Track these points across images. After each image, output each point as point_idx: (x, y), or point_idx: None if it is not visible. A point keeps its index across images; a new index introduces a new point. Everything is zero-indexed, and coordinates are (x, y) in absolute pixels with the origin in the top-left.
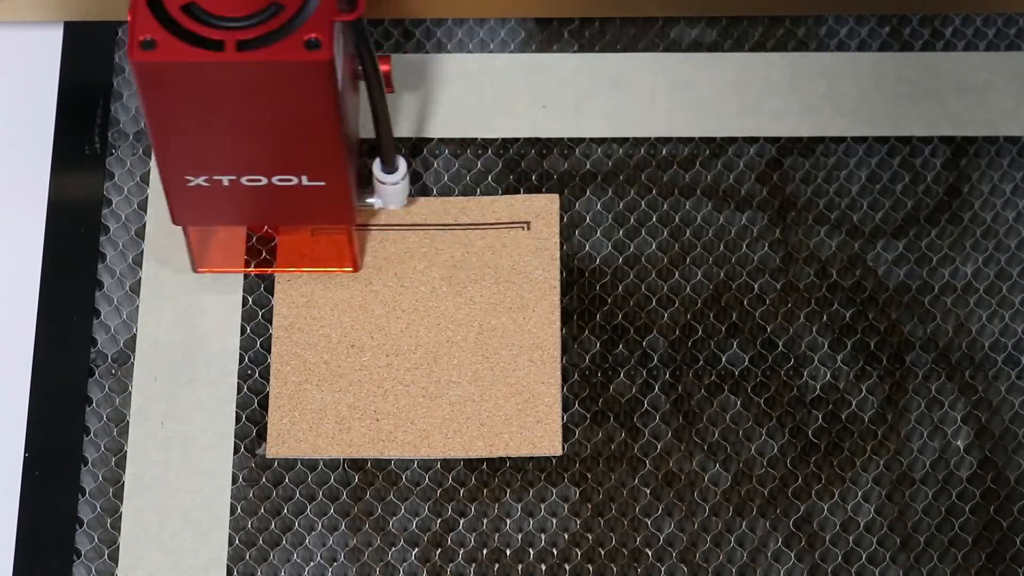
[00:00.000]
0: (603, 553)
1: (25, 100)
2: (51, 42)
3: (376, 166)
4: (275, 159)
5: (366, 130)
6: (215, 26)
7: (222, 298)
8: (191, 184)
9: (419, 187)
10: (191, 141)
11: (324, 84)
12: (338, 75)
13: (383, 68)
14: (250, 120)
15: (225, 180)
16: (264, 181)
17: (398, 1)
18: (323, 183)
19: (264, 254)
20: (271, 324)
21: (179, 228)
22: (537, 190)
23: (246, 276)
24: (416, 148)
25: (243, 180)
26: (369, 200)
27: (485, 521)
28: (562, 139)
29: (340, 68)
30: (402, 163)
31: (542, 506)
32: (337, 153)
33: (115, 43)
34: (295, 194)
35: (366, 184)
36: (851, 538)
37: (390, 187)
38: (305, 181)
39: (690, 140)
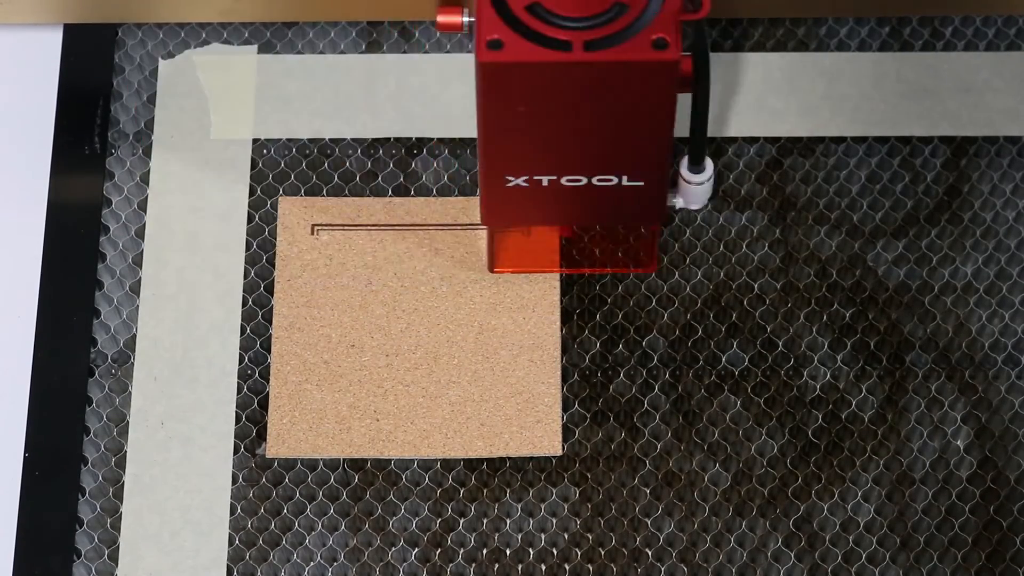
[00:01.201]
0: (603, 553)
1: (25, 100)
2: (51, 43)
3: (683, 165)
4: (601, 159)
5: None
6: (561, 26)
7: (222, 298)
8: (510, 184)
9: (419, 187)
10: (520, 141)
11: (668, 84)
12: None
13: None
14: (585, 120)
15: (545, 180)
16: (584, 181)
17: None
18: (642, 183)
19: (575, 255)
20: (271, 324)
21: (178, 227)
22: None
23: (247, 276)
24: (416, 148)
25: (563, 180)
26: (672, 200)
27: (485, 521)
28: None
29: None
30: (709, 163)
31: (542, 506)
32: (664, 154)
33: (115, 43)
34: (611, 194)
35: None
36: (851, 538)
37: (695, 187)
38: (625, 181)
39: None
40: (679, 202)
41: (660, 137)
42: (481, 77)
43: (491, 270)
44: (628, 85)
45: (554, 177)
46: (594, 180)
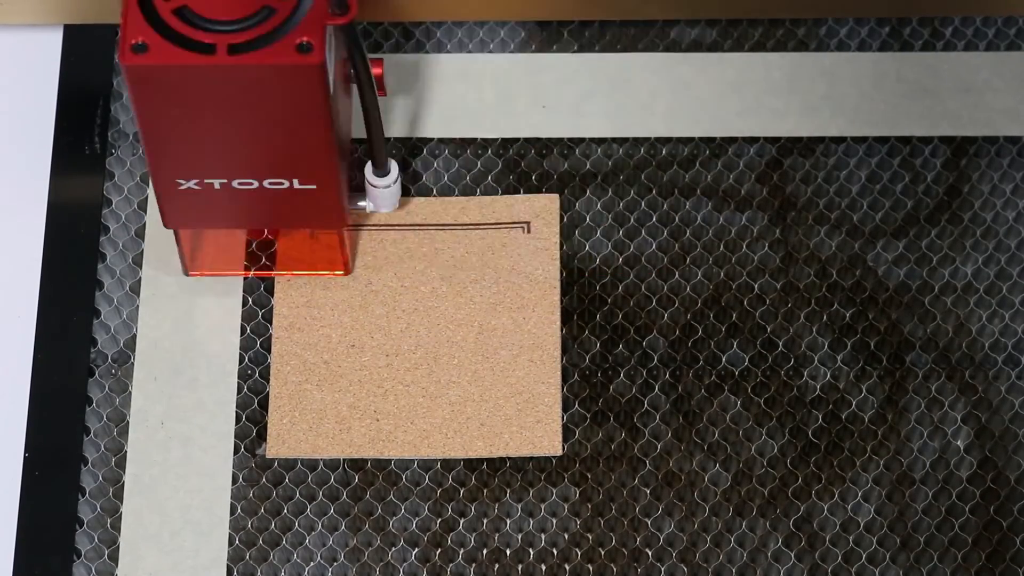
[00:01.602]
0: (603, 553)
1: (25, 101)
2: (51, 43)
3: (368, 169)
4: (266, 162)
5: (358, 130)
6: (207, 29)
7: (222, 298)
8: (182, 187)
9: (419, 187)
10: (182, 144)
11: (316, 88)
12: (330, 78)
13: (375, 71)
14: (242, 123)
15: (216, 184)
16: (255, 184)
17: (391, 4)
18: (314, 186)
19: (264, 258)
20: (271, 324)
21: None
22: (537, 190)
23: (246, 276)
24: (416, 148)
25: (234, 183)
26: (360, 203)
27: (485, 521)
28: (562, 139)
29: (332, 71)
30: (394, 166)
31: (542, 506)
32: (328, 156)
33: (114, 44)
34: (286, 197)
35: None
36: (851, 538)
37: (381, 190)
38: (296, 184)
39: (690, 140)
40: (369, 205)
41: (319, 140)
42: (127, 80)
43: (186, 273)
44: (276, 89)
45: (224, 180)
46: (265, 183)
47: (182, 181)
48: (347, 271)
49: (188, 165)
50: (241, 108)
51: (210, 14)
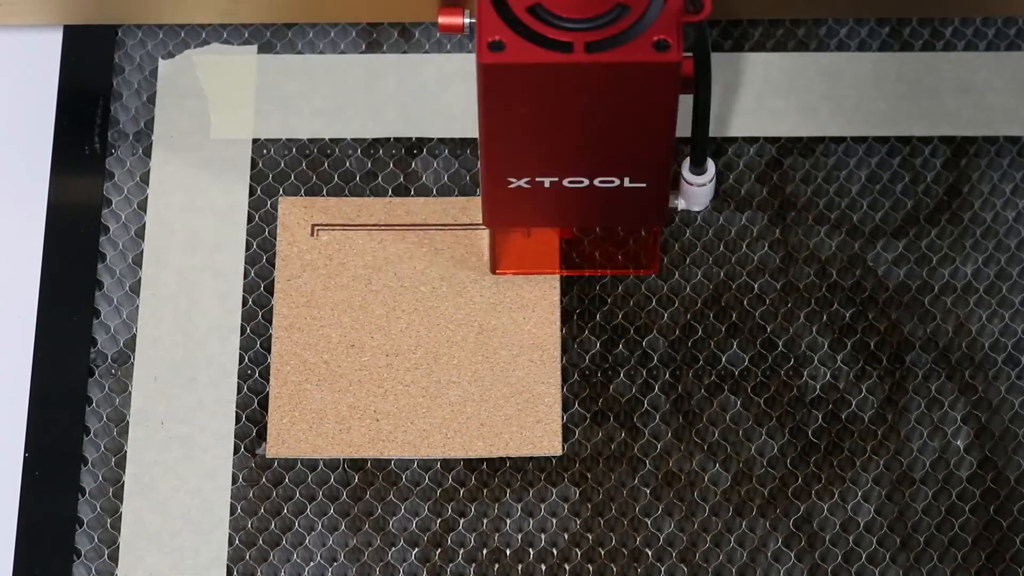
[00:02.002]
0: (603, 553)
1: (25, 101)
2: (51, 44)
3: (685, 167)
4: (602, 160)
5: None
6: (562, 28)
7: (222, 298)
8: (512, 185)
9: (419, 187)
10: (522, 143)
11: (670, 86)
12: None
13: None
14: (587, 121)
15: (547, 182)
16: (586, 183)
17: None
18: (644, 184)
19: (575, 256)
20: (271, 324)
21: (178, 227)
22: None
23: (247, 276)
24: (416, 148)
25: (565, 182)
26: (673, 202)
27: (485, 521)
28: None
29: None
30: (711, 164)
31: (542, 506)
32: (666, 155)
33: (114, 43)
34: (612, 195)
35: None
36: (851, 538)
37: (697, 188)
38: (627, 183)
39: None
40: (680, 203)
41: (661, 139)
42: (483, 78)
43: (493, 271)
44: (629, 87)
45: (556, 179)
46: (595, 182)
47: (513, 179)
48: (657, 271)
49: (523, 163)
50: (591, 106)
51: (565, 12)
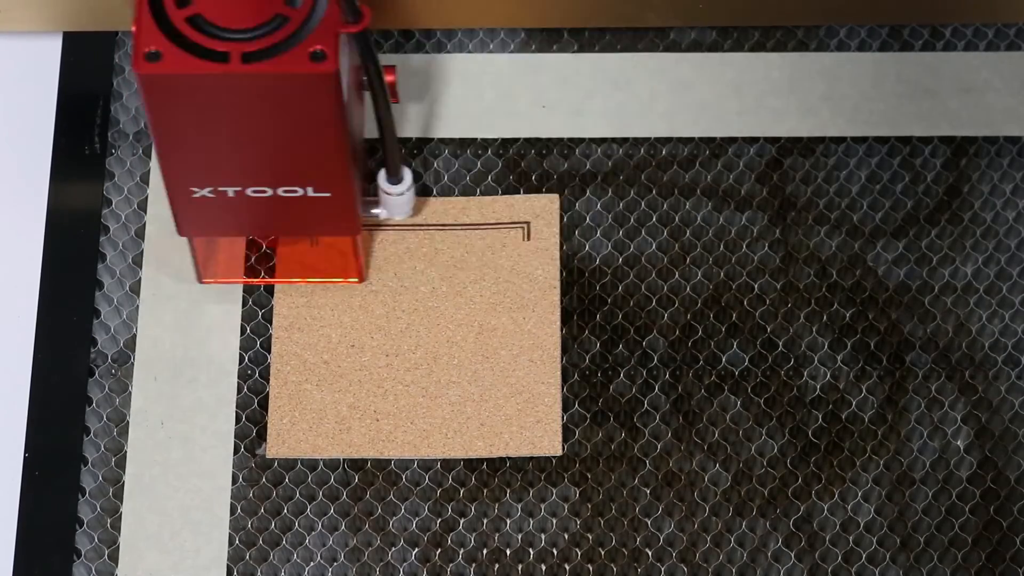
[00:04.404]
0: (603, 553)
1: (25, 101)
2: (51, 45)
3: (381, 177)
4: (280, 170)
5: (371, 131)
6: (220, 37)
7: (222, 298)
8: (196, 195)
9: (419, 187)
10: (196, 153)
11: (330, 96)
12: (343, 86)
13: (388, 78)
14: (255, 132)
15: (230, 191)
16: (269, 192)
17: (401, 12)
18: (328, 194)
19: (269, 264)
20: (271, 324)
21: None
22: (537, 190)
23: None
24: (416, 148)
25: (248, 191)
26: (374, 211)
27: (485, 521)
28: (562, 139)
29: (345, 79)
30: (407, 174)
31: (542, 506)
32: (342, 164)
33: (115, 43)
34: (300, 205)
35: (374, 193)
36: (851, 538)
37: (395, 197)
38: (310, 192)
39: (690, 140)
40: (382, 212)
41: (334, 148)
42: (142, 89)
43: (200, 281)
44: (290, 97)
45: (239, 188)
46: (279, 191)
47: (196, 189)
48: (361, 279)
49: (202, 173)
50: (255, 116)
51: (223, 22)
